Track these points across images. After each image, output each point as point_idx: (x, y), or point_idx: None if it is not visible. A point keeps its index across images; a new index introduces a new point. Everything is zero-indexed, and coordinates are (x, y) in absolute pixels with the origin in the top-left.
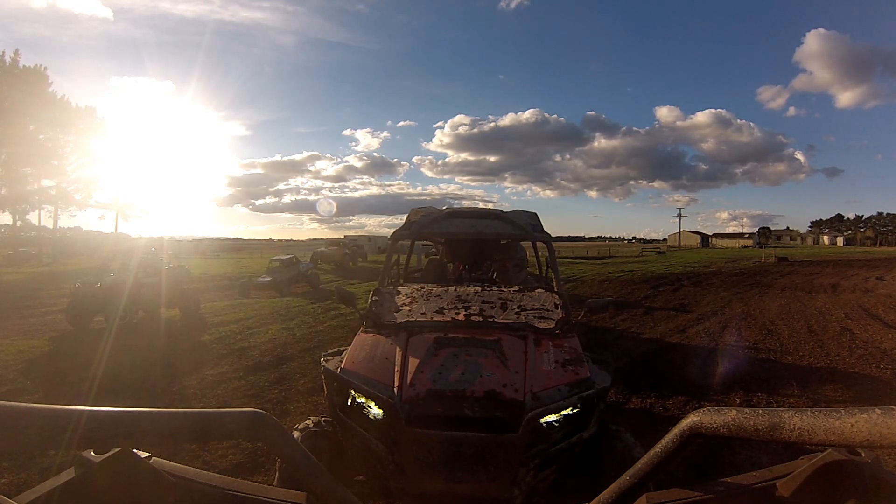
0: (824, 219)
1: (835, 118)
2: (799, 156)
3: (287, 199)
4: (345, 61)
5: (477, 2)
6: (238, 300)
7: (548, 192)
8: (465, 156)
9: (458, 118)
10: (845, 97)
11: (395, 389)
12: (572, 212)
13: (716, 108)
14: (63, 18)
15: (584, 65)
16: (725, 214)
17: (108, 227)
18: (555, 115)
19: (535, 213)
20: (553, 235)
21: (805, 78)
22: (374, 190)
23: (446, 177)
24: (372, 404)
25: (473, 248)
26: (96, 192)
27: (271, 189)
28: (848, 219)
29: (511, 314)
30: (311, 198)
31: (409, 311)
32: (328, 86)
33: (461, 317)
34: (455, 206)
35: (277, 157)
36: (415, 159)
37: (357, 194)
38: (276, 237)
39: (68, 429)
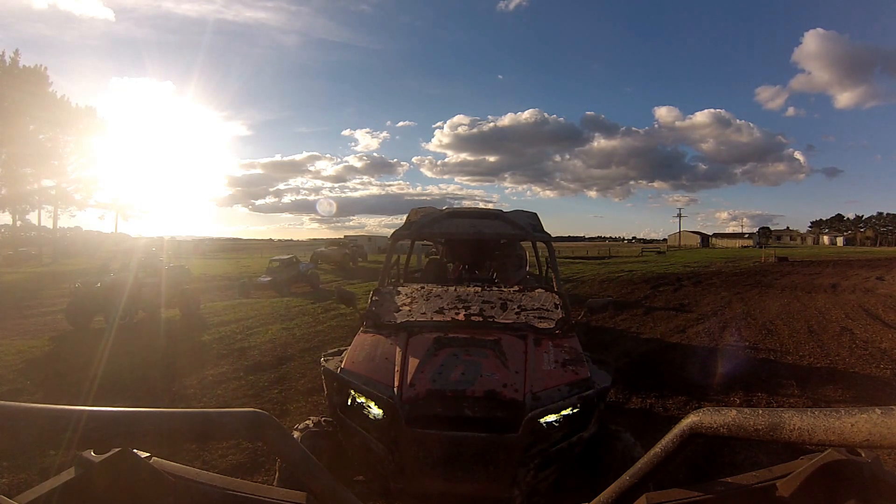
0: (824, 219)
1: (834, 118)
2: (798, 156)
3: (287, 199)
4: (346, 61)
5: (476, 3)
6: (238, 300)
7: (548, 193)
8: (464, 156)
9: (458, 118)
10: (844, 97)
11: (395, 389)
12: (572, 212)
13: (715, 109)
14: (64, 18)
15: (583, 65)
16: (725, 214)
17: (108, 227)
18: (554, 116)
19: (536, 214)
20: (553, 235)
21: (804, 78)
22: (374, 190)
23: (446, 177)
24: (372, 404)
25: (473, 248)
26: (96, 192)
27: (271, 189)
28: (848, 219)
29: (511, 314)
30: (311, 198)
31: (409, 311)
32: (329, 86)
33: (461, 317)
34: (455, 206)
35: (277, 158)
36: (414, 159)
37: (357, 194)
38: (276, 237)
39: (68, 429)
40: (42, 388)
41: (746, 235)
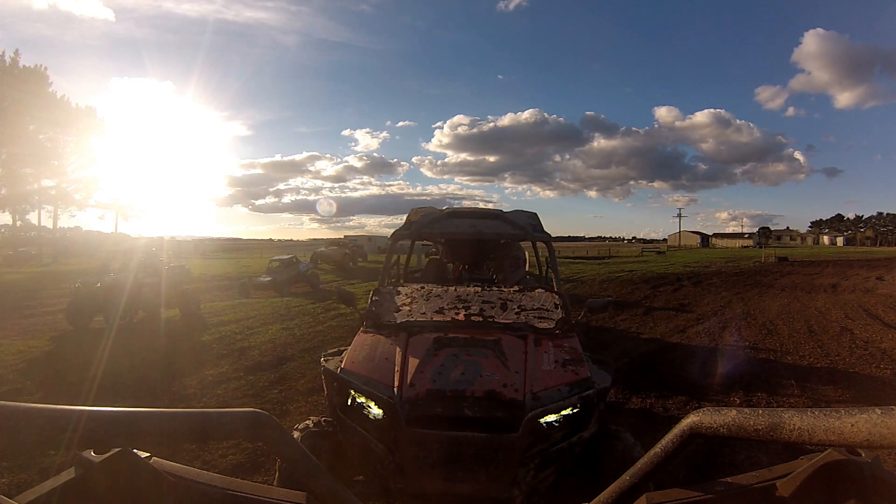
0: (824, 219)
1: (834, 118)
2: (798, 156)
3: (287, 199)
4: (346, 61)
5: (476, 3)
6: (238, 300)
7: (548, 192)
8: (464, 156)
9: (458, 118)
10: (844, 97)
11: (395, 389)
12: (572, 212)
13: (715, 109)
14: (64, 18)
15: (583, 65)
16: (725, 214)
17: (108, 227)
18: (554, 115)
19: (535, 214)
20: (553, 235)
21: (804, 78)
22: (374, 190)
23: (446, 177)
24: (372, 404)
25: (473, 248)
26: (96, 192)
27: (271, 189)
28: (848, 219)
29: (511, 314)
30: (311, 198)
31: (409, 311)
32: (329, 86)
33: (461, 317)
34: (455, 206)
35: (277, 158)
36: (414, 159)
37: (357, 194)
38: (276, 237)
39: (68, 429)
40: (42, 388)
41: (746, 235)
